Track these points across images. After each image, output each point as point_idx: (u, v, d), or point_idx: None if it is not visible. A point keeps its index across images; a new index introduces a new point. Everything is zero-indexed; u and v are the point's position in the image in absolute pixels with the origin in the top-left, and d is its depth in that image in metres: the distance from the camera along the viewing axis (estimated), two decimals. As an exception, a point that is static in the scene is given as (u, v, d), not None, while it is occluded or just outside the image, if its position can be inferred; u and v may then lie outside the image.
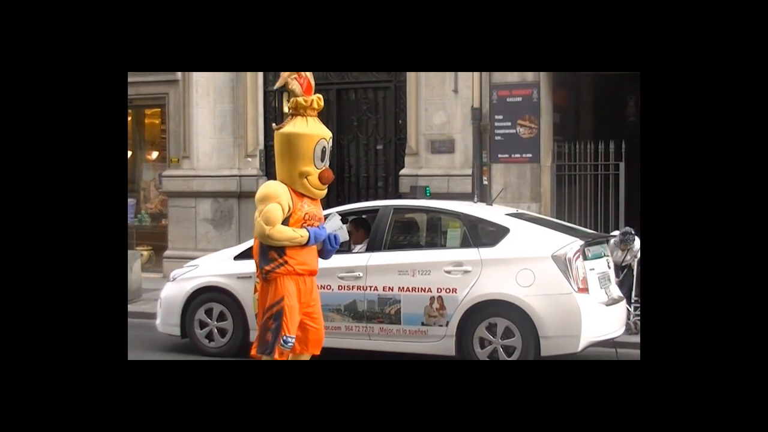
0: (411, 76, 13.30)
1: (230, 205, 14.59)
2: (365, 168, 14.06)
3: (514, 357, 7.63)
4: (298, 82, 5.71)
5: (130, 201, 16.18)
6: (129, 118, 16.66)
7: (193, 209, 14.82)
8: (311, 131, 5.70)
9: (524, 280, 7.68)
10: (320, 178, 5.71)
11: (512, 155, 12.84)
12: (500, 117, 12.86)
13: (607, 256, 8.67)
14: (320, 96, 5.89)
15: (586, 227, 12.71)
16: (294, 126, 5.68)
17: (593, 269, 8.01)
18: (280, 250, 5.54)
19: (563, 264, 7.62)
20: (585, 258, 7.85)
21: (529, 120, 12.72)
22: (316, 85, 5.82)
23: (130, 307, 11.95)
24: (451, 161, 13.18)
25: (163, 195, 15.51)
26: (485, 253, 7.81)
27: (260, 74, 14.41)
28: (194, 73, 14.67)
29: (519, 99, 12.75)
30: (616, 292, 8.65)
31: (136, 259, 12.87)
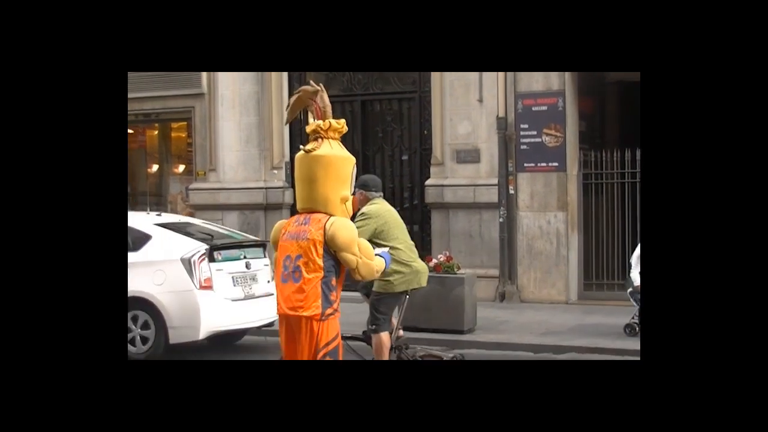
0: (435, 86, 13.31)
1: (257, 217, 14.64)
2: (390, 179, 14.07)
3: (149, 344, 9.29)
4: (312, 110, 5.46)
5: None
6: (155, 132, 16.80)
7: (220, 222, 14.87)
8: (348, 155, 5.50)
9: (158, 280, 9.37)
10: (353, 204, 5.45)
11: (538, 164, 12.80)
12: (525, 126, 12.83)
13: (249, 258, 9.91)
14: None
15: (613, 235, 12.69)
16: (332, 149, 5.34)
17: (221, 269, 9.54)
18: (336, 291, 5.31)
19: (188, 265, 9.24)
20: (213, 260, 9.46)
21: (555, 128, 12.69)
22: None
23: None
24: (477, 171, 13.16)
25: (190, 208, 15.59)
26: (130, 257, 8.43)
27: (285, 86, 14.48)
28: (219, 87, 14.77)
29: (544, 108, 12.73)
30: (261, 290, 9.91)
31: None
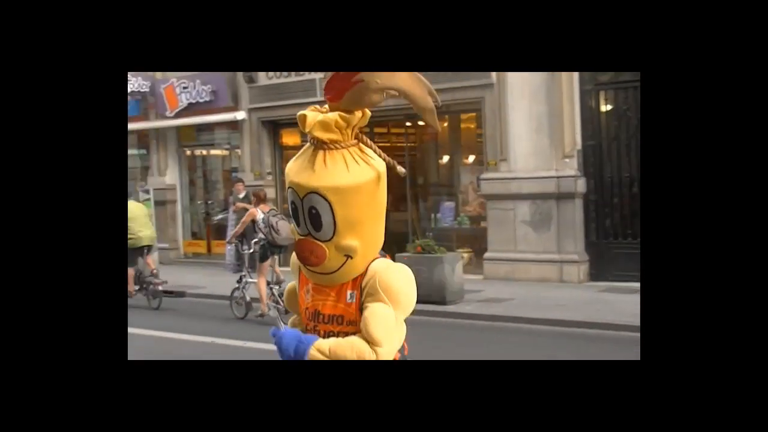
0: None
1: (549, 207, 14.51)
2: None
3: None
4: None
5: (450, 204, 16.64)
6: (445, 124, 17.13)
7: (512, 211, 14.92)
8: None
9: None
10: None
11: None
12: None
13: None
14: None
15: None
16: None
17: None
18: None
19: None
20: None
21: None
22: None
23: (452, 308, 12.26)
24: None
25: (481, 198, 15.77)
26: None
27: (576, 73, 14.23)
28: (509, 76, 14.79)
29: None
30: None
31: (458, 261, 13.14)
